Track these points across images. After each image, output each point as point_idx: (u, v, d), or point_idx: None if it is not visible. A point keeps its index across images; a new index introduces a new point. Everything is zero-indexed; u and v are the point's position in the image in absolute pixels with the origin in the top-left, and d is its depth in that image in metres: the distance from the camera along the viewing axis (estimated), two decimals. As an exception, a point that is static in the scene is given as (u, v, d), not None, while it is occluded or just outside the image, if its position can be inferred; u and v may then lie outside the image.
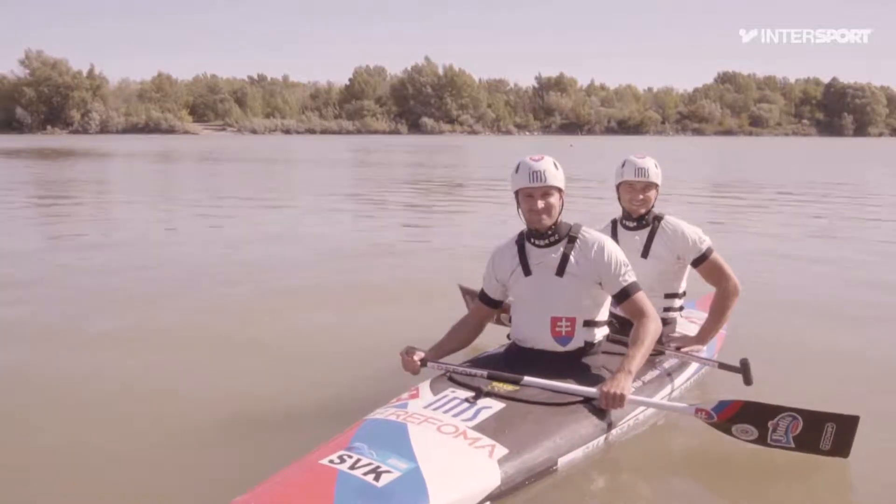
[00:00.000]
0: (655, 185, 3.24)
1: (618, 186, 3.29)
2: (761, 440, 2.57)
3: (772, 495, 2.47)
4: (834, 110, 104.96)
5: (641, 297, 2.74)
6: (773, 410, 2.53)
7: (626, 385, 2.53)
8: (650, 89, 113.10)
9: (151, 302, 5.18)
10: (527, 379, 2.58)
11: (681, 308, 3.42)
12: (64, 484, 2.54)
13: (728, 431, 2.60)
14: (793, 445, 2.53)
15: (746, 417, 2.56)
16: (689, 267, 3.30)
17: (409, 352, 2.80)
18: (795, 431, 2.51)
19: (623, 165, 3.26)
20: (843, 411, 2.50)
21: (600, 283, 2.75)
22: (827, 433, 2.50)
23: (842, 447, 2.51)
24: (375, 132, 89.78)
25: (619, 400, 2.51)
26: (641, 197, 3.22)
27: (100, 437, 2.91)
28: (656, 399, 2.83)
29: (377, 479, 1.99)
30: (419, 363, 2.78)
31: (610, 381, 2.56)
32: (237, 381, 3.57)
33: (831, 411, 2.51)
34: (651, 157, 3.26)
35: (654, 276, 3.20)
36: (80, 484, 2.54)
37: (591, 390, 2.56)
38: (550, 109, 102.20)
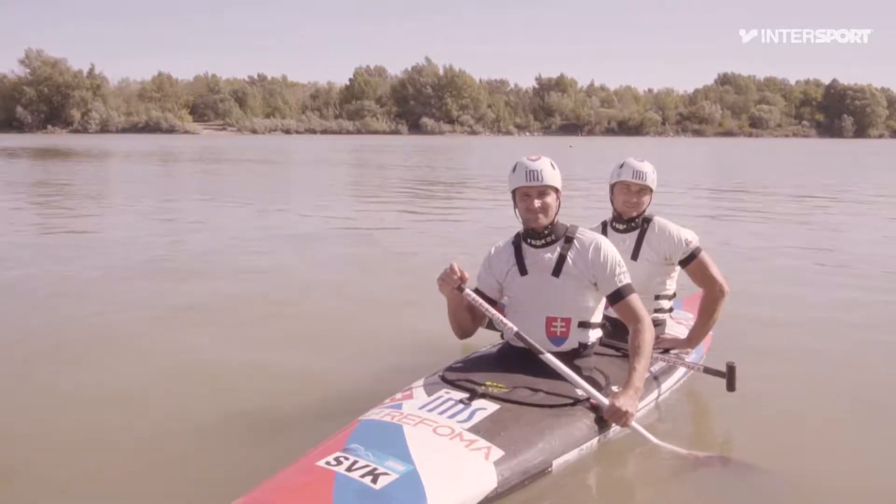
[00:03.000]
0: (650, 190, 3.26)
1: (612, 186, 3.31)
2: None
3: (767, 499, 2.49)
4: (834, 112, 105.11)
5: (635, 299, 2.75)
6: None
7: (635, 404, 2.55)
8: (650, 90, 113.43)
9: (143, 301, 5.17)
10: (547, 355, 2.61)
11: (670, 310, 3.44)
12: (59, 485, 2.55)
13: None
14: None
15: None
16: (678, 268, 3.31)
17: (458, 268, 2.69)
18: None
19: (621, 166, 3.27)
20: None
21: (595, 284, 2.76)
22: None
23: None
24: (376, 132, 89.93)
25: (625, 418, 2.52)
26: (635, 200, 3.24)
27: (93, 439, 2.91)
28: (647, 401, 2.85)
29: (375, 481, 2.00)
30: (460, 281, 2.68)
31: (622, 395, 2.55)
32: (228, 381, 3.57)
33: None
34: (649, 161, 3.28)
35: (644, 278, 3.21)
36: (76, 486, 2.55)
37: (600, 396, 2.58)
38: (550, 110, 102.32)
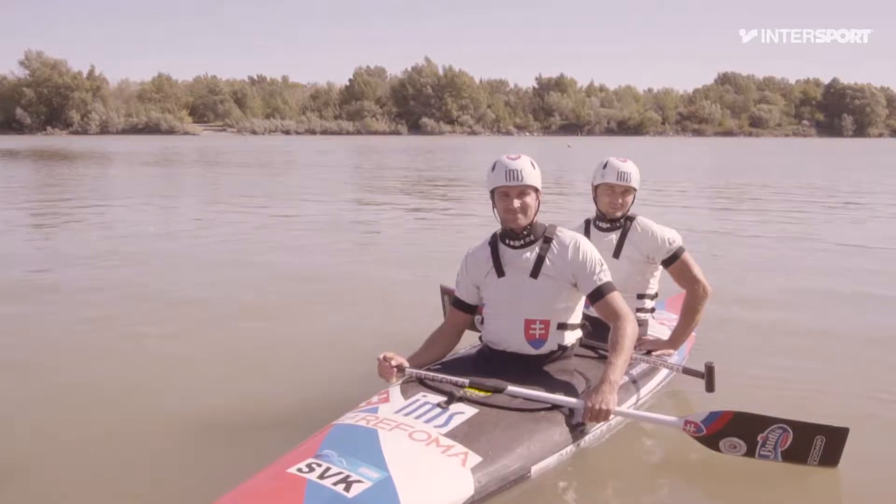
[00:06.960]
0: (634, 190, 3.25)
1: (596, 187, 3.30)
2: (749, 454, 2.52)
3: (748, 498, 2.45)
4: (834, 111, 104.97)
5: (616, 297, 2.70)
6: (763, 422, 2.48)
7: (610, 398, 2.48)
8: (650, 90, 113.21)
9: (115, 306, 5.07)
10: (511, 388, 2.52)
11: (652, 309, 3.42)
12: (21, 486, 2.52)
13: (715, 446, 2.55)
14: (780, 460, 2.50)
15: (736, 430, 2.50)
16: (660, 268, 3.29)
17: (386, 357, 2.69)
18: (785, 445, 2.47)
19: (604, 167, 3.25)
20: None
21: (575, 284, 2.71)
22: (816, 446, 2.47)
23: (830, 460, 2.48)
24: (375, 133, 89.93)
25: (604, 415, 2.47)
26: (620, 201, 3.23)
27: (60, 443, 2.87)
28: (626, 406, 2.78)
29: (347, 489, 1.95)
30: (395, 370, 2.66)
31: (594, 394, 2.49)
32: (201, 385, 3.51)
33: (821, 423, 2.48)
34: (632, 160, 3.27)
35: (626, 276, 3.19)
36: (38, 488, 2.51)
37: (575, 401, 2.53)
38: (550, 110, 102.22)
